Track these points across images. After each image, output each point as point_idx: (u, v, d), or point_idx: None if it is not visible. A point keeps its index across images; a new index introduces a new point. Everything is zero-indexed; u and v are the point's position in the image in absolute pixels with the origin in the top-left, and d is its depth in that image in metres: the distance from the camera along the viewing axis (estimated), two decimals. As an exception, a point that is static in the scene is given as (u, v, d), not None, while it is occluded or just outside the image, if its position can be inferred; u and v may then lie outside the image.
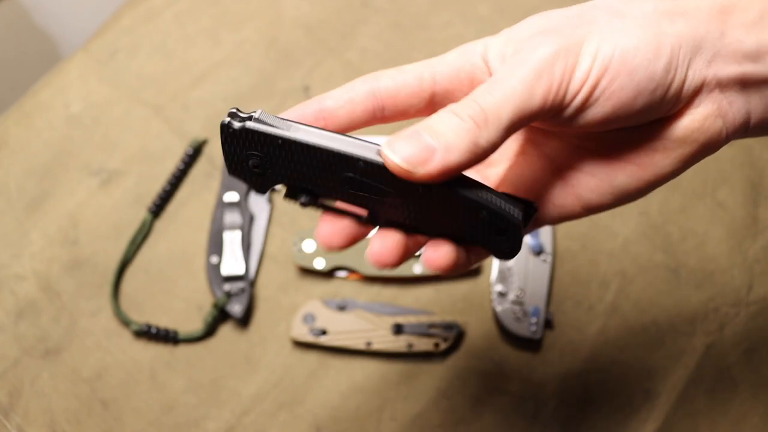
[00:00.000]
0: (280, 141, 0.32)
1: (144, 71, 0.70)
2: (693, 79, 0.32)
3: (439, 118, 0.31)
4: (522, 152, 0.37)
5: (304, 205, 0.34)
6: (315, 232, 0.34)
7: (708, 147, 0.33)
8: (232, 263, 0.62)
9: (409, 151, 0.30)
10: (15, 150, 0.67)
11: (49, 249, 0.64)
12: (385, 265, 0.34)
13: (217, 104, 0.69)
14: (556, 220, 0.37)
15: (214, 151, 0.67)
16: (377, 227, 0.35)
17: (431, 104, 0.35)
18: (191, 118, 0.69)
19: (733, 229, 0.65)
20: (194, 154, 0.67)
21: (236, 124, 0.32)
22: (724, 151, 0.67)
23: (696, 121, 0.33)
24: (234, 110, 0.32)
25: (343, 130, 0.34)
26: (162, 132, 0.68)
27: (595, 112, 0.32)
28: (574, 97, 0.31)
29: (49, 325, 0.61)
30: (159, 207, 0.65)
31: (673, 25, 0.31)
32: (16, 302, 0.62)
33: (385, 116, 0.35)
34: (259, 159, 0.33)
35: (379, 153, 0.31)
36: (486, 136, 0.30)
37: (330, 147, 0.32)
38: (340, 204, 0.35)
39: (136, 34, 0.72)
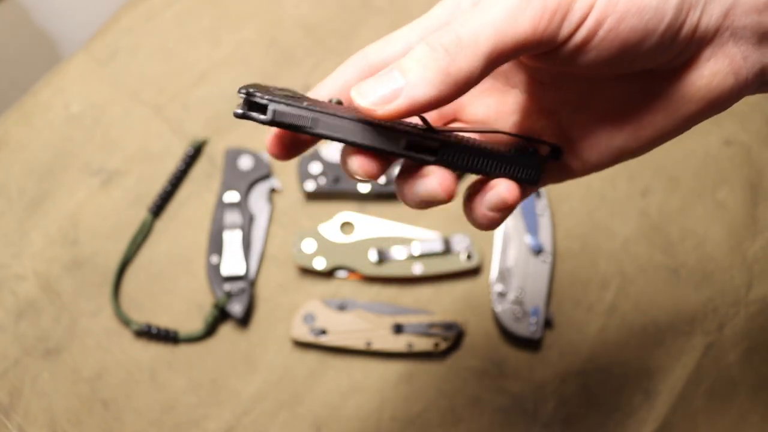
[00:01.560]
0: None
1: (144, 71, 0.70)
2: (707, 24, 0.29)
3: (412, 51, 0.29)
4: (520, 109, 0.36)
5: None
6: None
7: (716, 105, 0.31)
8: (232, 263, 0.62)
9: (377, 92, 0.28)
10: (15, 150, 0.67)
11: (49, 249, 0.64)
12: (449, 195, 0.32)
13: (217, 104, 0.69)
14: (554, 180, 0.36)
15: (214, 151, 0.67)
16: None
17: None
18: (191, 118, 0.69)
19: (732, 229, 0.65)
20: (194, 154, 0.67)
21: (262, 118, 0.30)
22: (724, 151, 0.68)
23: (705, 77, 0.30)
24: (250, 90, 0.30)
25: None
26: (162, 132, 0.68)
27: (599, 52, 0.29)
28: (573, 32, 0.29)
29: (49, 325, 0.61)
30: (159, 207, 0.65)
31: None
32: (16, 302, 0.62)
33: None
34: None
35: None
36: (459, 65, 0.28)
37: (363, 123, 0.30)
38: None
39: (136, 34, 0.72)
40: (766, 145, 0.68)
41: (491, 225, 0.33)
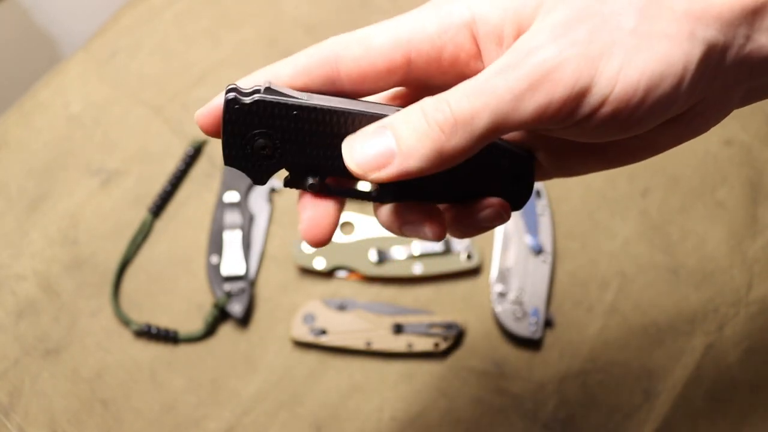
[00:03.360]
0: (295, 111, 0.29)
1: (144, 71, 0.70)
2: (712, 94, 0.28)
3: (407, 118, 0.28)
4: None
5: (312, 188, 0.31)
6: (299, 228, 0.33)
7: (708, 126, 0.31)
8: (232, 263, 0.62)
9: (368, 154, 0.28)
10: (15, 150, 0.67)
11: (49, 249, 0.64)
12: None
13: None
14: (542, 179, 0.35)
15: (214, 151, 0.67)
16: (382, 204, 0.33)
17: (404, 81, 0.32)
18: (191, 118, 0.68)
19: (732, 229, 0.65)
20: (194, 154, 0.67)
21: (245, 99, 0.29)
22: (724, 151, 0.67)
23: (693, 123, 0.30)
24: (233, 86, 0.30)
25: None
26: (162, 132, 0.68)
27: (603, 133, 0.28)
28: (580, 120, 0.27)
29: (49, 325, 0.61)
30: (159, 207, 0.65)
31: (706, 31, 0.27)
32: (16, 302, 0.62)
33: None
34: (268, 138, 0.30)
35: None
36: (454, 145, 0.27)
37: (352, 109, 0.30)
38: (345, 185, 0.33)
39: (136, 34, 0.72)
40: (766, 144, 0.68)
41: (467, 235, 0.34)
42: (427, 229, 0.33)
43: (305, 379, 0.60)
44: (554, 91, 0.26)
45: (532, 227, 0.63)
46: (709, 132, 0.32)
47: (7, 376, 0.59)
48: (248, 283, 0.62)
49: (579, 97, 0.27)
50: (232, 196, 0.65)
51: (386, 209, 0.34)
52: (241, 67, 0.71)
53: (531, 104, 0.27)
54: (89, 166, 0.67)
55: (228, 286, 0.62)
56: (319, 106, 0.30)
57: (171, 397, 0.59)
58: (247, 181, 0.65)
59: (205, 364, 0.61)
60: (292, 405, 0.60)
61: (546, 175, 0.35)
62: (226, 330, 0.62)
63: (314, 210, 0.32)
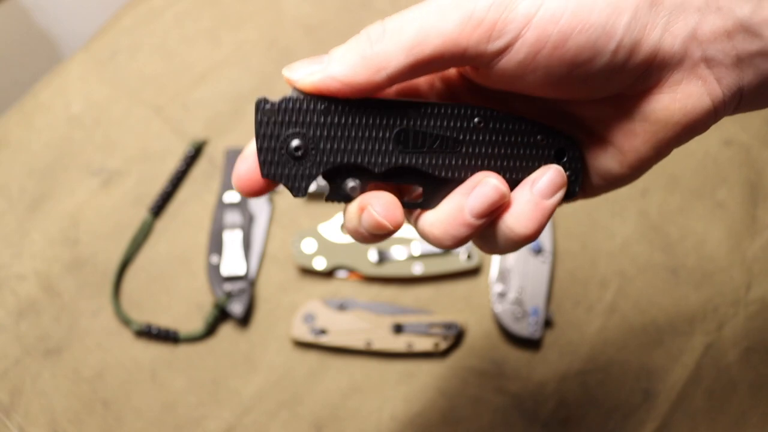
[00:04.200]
0: (324, 105, 0.30)
1: (144, 71, 0.71)
2: (672, 46, 0.28)
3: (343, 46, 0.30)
4: None
5: (353, 192, 0.31)
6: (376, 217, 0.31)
7: (694, 129, 0.30)
8: (233, 263, 0.62)
9: (303, 68, 0.30)
10: (16, 150, 0.67)
11: (49, 249, 0.64)
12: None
13: (217, 104, 0.69)
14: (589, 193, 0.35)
15: (215, 151, 0.67)
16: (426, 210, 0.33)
17: None
18: (191, 118, 0.69)
19: (732, 229, 0.65)
20: (195, 154, 0.67)
21: (274, 99, 0.30)
22: (723, 151, 0.68)
23: (677, 100, 0.29)
24: (262, 98, 0.31)
25: None
26: (162, 132, 0.68)
27: (547, 71, 0.28)
28: (508, 46, 0.28)
29: (49, 325, 0.61)
30: (159, 207, 0.65)
31: None
32: (17, 302, 0.62)
33: None
34: (302, 138, 0.30)
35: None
36: (377, 50, 0.28)
37: (379, 97, 0.30)
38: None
39: (136, 34, 0.72)
40: (765, 145, 0.68)
41: (461, 240, 0.31)
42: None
43: (305, 379, 0.60)
44: (475, 4, 0.28)
45: (532, 227, 0.63)
46: (708, 132, 0.32)
47: (8, 375, 0.60)
48: (248, 283, 0.62)
49: (501, 9, 0.28)
50: (232, 196, 0.65)
51: (432, 215, 0.32)
52: (241, 67, 0.71)
53: (454, 15, 0.28)
54: (90, 166, 0.67)
55: (228, 286, 0.62)
56: (346, 99, 0.30)
57: (171, 397, 0.60)
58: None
59: (206, 364, 0.61)
60: (292, 405, 0.60)
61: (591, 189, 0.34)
62: (226, 330, 0.62)
63: (380, 197, 0.31)
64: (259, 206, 0.65)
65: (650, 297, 0.63)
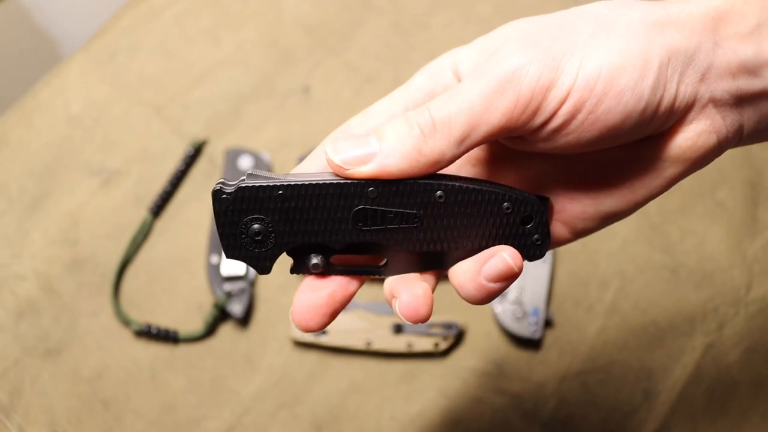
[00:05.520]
0: (281, 191, 0.30)
1: (144, 71, 0.70)
2: (685, 94, 0.30)
3: (391, 123, 0.30)
4: (501, 176, 0.35)
5: (316, 269, 0.32)
6: (290, 312, 0.33)
7: (701, 163, 0.32)
8: (233, 263, 0.62)
9: (351, 152, 0.30)
10: (15, 150, 0.67)
11: (49, 249, 0.64)
12: (419, 319, 0.31)
13: (217, 104, 0.69)
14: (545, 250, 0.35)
15: (215, 151, 0.67)
16: (386, 278, 0.33)
17: None
18: (191, 118, 0.69)
19: (732, 228, 0.65)
20: (194, 154, 0.67)
21: (229, 189, 0.31)
22: (724, 151, 0.67)
23: (689, 138, 0.31)
24: (220, 181, 0.31)
25: None
26: (162, 132, 0.68)
27: (579, 135, 0.29)
28: (549, 119, 0.29)
29: (49, 325, 0.61)
30: (159, 207, 0.65)
31: (663, 36, 0.29)
32: (16, 302, 0.62)
33: None
34: (261, 222, 0.31)
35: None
36: (432, 146, 0.29)
37: (336, 180, 0.31)
38: (351, 261, 0.33)
39: (136, 34, 0.72)
40: (765, 145, 0.68)
41: (489, 298, 0.32)
42: (420, 303, 0.32)
43: (305, 379, 0.60)
44: (520, 88, 0.28)
45: (532, 227, 0.63)
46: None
47: (8, 375, 0.59)
48: (248, 283, 0.62)
49: (543, 90, 0.29)
50: (232, 196, 0.65)
51: (387, 284, 0.33)
52: (241, 67, 0.71)
53: (501, 104, 0.29)
54: (89, 166, 0.67)
55: (228, 286, 0.62)
56: (299, 182, 0.31)
57: (171, 397, 0.60)
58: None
59: (205, 364, 0.61)
60: (292, 405, 0.60)
61: (566, 231, 0.35)
62: (226, 330, 0.62)
63: (310, 294, 0.33)
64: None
65: (650, 297, 0.63)
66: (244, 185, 0.31)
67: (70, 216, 0.65)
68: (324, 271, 0.33)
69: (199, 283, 0.63)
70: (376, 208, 0.31)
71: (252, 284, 0.62)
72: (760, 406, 0.59)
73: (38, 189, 0.66)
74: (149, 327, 0.60)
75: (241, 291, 0.62)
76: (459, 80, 0.33)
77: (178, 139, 0.68)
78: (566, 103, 0.29)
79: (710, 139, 0.31)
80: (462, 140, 0.29)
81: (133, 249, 0.64)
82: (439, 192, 0.31)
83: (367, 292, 0.63)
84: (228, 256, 0.32)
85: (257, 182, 0.31)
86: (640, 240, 0.64)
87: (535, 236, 0.32)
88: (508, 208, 0.32)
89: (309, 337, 0.60)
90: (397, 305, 0.32)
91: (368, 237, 0.32)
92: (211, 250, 0.63)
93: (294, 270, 0.33)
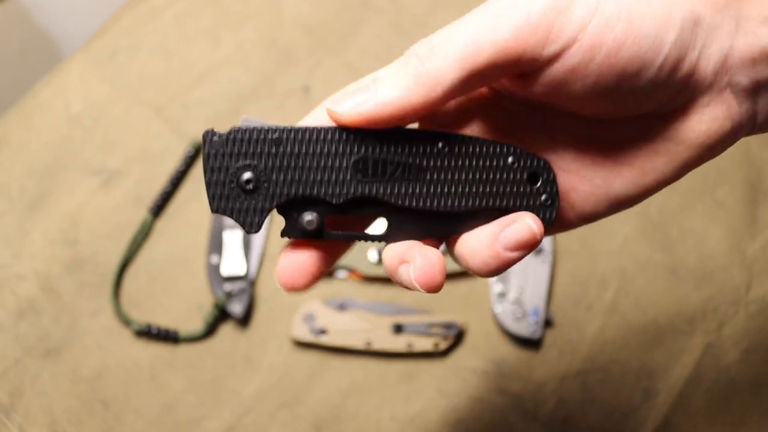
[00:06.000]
0: (276, 134, 0.29)
1: (144, 71, 0.71)
2: (705, 70, 0.28)
3: (390, 66, 0.28)
4: None
5: (310, 226, 0.29)
6: (275, 271, 0.31)
7: (714, 150, 0.31)
8: (233, 263, 0.62)
9: (350, 100, 0.28)
10: (15, 150, 0.67)
11: (49, 249, 0.64)
12: (435, 286, 0.29)
13: (217, 104, 0.69)
14: (549, 232, 0.33)
15: (214, 151, 0.67)
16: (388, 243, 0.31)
17: None
18: (191, 118, 0.69)
19: (732, 228, 0.65)
20: (194, 154, 0.67)
21: (221, 132, 0.29)
22: (724, 150, 0.67)
23: (704, 122, 0.29)
24: (210, 129, 0.29)
25: None
26: (162, 132, 0.68)
27: (596, 80, 0.28)
28: (561, 51, 0.27)
29: (49, 325, 0.61)
30: (159, 207, 0.65)
31: (686, 3, 0.27)
32: (16, 302, 0.62)
33: None
34: (253, 171, 0.29)
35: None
36: (428, 66, 0.27)
37: (335, 126, 0.29)
38: (348, 225, 0.31)
39: (136, 34, 0.72)
40: (765, 144, 0.68)
41: (502, 268, 0.30)
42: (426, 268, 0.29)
43: (305, 379, 0.60)
44: (529, 7, 0.27)
45: (532, 227, 0.63)
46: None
47: (8, 375, 0.60)
48: (248, 283, 0.62)
49: (557, 12, 0.27)
50: (232, 196, 0.65)
51: (391, 250, 0.31)
52: (241, 67, 0.71)
53: (506, 26, 0.27)
54: (89, 166, 0.67)
55: (228, 286, 0.62)
56: (296, 127, 0.29)
57: (171, 397, 0.60)
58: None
59: (205, 364, 0.61)
60: (292, 405, 0.60)
61: (573, 214, 0.33)
62: (226, 330, 0.62)
63: (298, 252, 0.30)
64: (259, 206, 0.65)
65: (650, 296, 0.63)
66: (237, 128, 0.29)
67: (70, 216, 0.65)
68: (318, 232, 0.30)
69: (199, 283, 0.63)
70: (377, 156, 0.29)
71: (252, 284, 0.62)
72: (760, 406, 0.59)
73: (38, 189, 0.66)
74: (149, 327, 0.61)
75: (241, 291, 0.62)
76: None
77: (178, 139, 0.68)
78: (584, 38, 0.27)
79: (725, 125, 0.29)
80: (463, 59, 0.27)
81: (133, 249, 0.64)
82: (440, 143, 0.29)
83: (367, 291, 0.63)
84: (214, 209, 0.29)
85: (251, 124, 0.29)
86: (639, 239, 0.65)
87: (544, 196, 0.31)
88: (513, 163, 0.30)
89: (309, 337, 0.60)
90: (410, 271, 0.29)
91: (369, 190, 0.29)
92: (211, 250, 0.63)
93: (285, 232, 0.30)
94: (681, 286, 0.63)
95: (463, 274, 0.63)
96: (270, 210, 0.29)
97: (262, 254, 0.64)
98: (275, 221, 0.65)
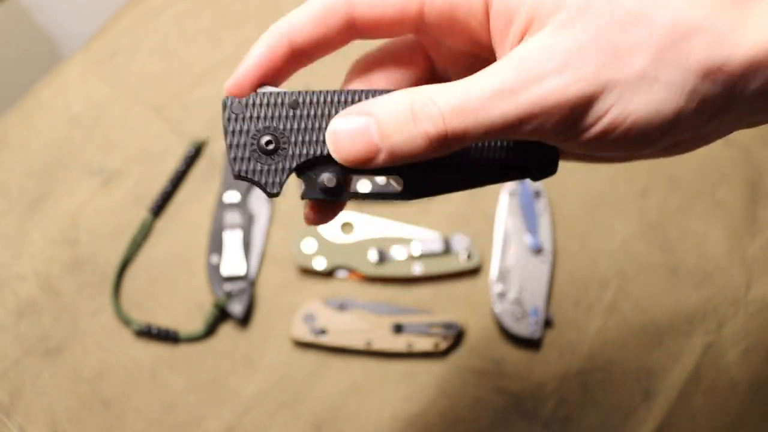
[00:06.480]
0: (294, 97, 0.30)
1: (144, 71, 0.71)
2: (706, 130, 0.28)
3: (392, 107, 0.27)
4: None
5: (330, 183, 0.30)
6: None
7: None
8: (233, 263, 0.62)
9: (353, 149, 0.28)
10: (16, 150, 0.67)
11: (49, 249, 0.64)
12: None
13: (217, 104, 0.69)
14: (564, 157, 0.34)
15: (215, 151, 0.67)
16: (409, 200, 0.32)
17: (417, 31, 0.31)
18: (191, 118, 0.69)
19: (731, 228, 0.65)
20: (194, 154, 0.67)
21: (241, 98, 0.30)
22: (723, 151, 0.68)
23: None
24: (228, 95, 0.30)
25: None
26: (162, 132, 0.68)
27: (588, 148, 0.28)
28: (568, 137, 0.28)
29: (49, 325, 0.61)
30: (159, 207, 0.65)
31: (711, 88, 0.26)
32: (17, 302, 0.62)
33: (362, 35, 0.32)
34: (273, 132, 0.30)
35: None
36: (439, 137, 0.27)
37: (348, 88, 0.29)
38: (367, 184, 0.31)
39: (136, 34, 0.72)
40: (765, 145, 0.68)
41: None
42: None
43: (305, 379, 0.60)
44: (547, 122, 0.26)
45: (532, 227, 0.63)
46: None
47: (8, 375, 0.60)
48: (248, 283, 0.62)
49: (570, 123, 0.27)
50: (232, 196, 0.65)
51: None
52: (241, 67, 0.71)
53: (526, 129, 0.27)
54: (89, 166, 0.67)
55: (228, 286, 0.62)
56: (311, 91, 0.30)
57: (171, 397, 0.60)
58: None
59: (205, 364, 0.61)
60: (292, 405, 0.60)
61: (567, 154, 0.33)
62: (226, 330, 0.62)
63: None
64: (259, 206, 0.65)
65: (650, 297, 0.63)
66: (256, 92, 0.30)
67: (70, 216, 0.65)
68: (337, 193, 0.31)
69: (199, 283, 0.63)
70: None
71: (252, 284, 0.63)
72: (760, 406, 0.59)
73: (38, 189, 0.66)
74: (149, 327, 0.61)
75: (241, 291, 0.62)
76: (486, 13, 0.29)
77: (178, 139, 0.68)
78: (587, 133, 0.27)
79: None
80: (474, 139, 0.27)
81: (133, 249, 0.64)
82: None
83: (367, 291, 0.63)
84: (236, 174, 0.30)
85: (270, 90, 0.30)
86: (639, 239, 0.65)
87: (545, 155, 0.32)
88: None
89: (309, 337, 0.60)
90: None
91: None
92: (211, 250, 0.63)
93: (305, 194, 0.31)
94: (681, 287, 0.63)
95: (463, 274, 0.63)
96: (290, 171, 0.30)
97: (262, 254, 0.64)
98: (275, 220, 0.65)
